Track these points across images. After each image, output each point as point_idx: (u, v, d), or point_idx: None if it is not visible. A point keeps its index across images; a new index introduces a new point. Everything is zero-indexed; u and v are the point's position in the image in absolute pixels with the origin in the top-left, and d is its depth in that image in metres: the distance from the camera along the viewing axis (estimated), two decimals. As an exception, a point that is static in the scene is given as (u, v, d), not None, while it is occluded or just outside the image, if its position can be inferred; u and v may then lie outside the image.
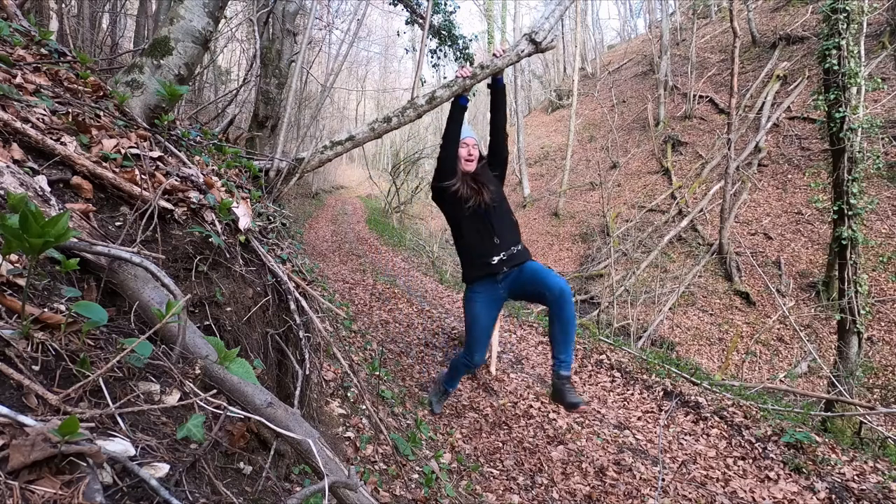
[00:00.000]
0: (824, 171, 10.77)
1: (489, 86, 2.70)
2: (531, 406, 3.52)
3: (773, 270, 10.13)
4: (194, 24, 1.99)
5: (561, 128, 20.60)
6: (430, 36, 7.67)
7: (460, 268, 2.72)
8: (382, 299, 6.39)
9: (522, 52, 2.65)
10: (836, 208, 6.59)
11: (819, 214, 10.60)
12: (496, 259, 2.52)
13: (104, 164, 1.33)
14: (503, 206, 2.62)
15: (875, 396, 6.89)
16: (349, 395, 3.03)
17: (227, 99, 5.94)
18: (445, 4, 7.58)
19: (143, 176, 1.38)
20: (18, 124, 1.18)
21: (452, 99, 2.66)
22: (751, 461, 2.91)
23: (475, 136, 2.71)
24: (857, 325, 6.32)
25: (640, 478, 2.71)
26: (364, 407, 2.89)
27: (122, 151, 1.44)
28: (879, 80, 8.36)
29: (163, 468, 0.72)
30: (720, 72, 16.56)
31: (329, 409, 2.72)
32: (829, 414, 4.04)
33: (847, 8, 6.30)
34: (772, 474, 2.76)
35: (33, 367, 0.75)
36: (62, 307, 0.89)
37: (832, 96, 6.52)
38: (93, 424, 0.71)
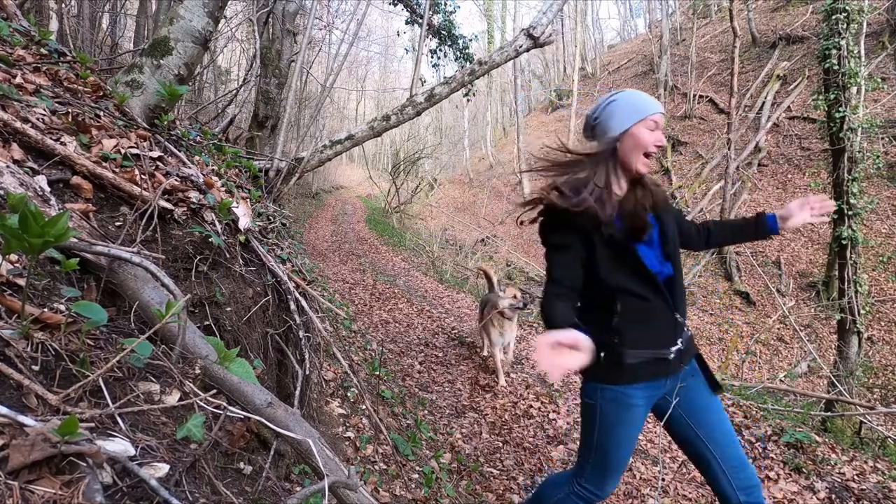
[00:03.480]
0: (824, 170, 10.77)
1: (754, 236, 1.77)
2: (531, 406, 3.52)
3: (773, 270, 10.14)
4: (194, 24, 1.99)
5: (561, 128, 20.55)
6: (430, 36, 7.67)
7: (603, 355, 1.40)
8: (382, 299, 6.39)
9: (521, 47, 2.66)
10: (835, 208, 6.60)
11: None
12: (674, 350, 1.46)
13: (104, 164, 1.34)
14: (680, 265, 1.55)
15: (875, 396, 6.89)
16: (349, 395, 3.03)
17: (227, 99, 5.94)
18: (445, 4, 7.57)
19: (143, 176, 1.38)
20: (18, 124, 1.18)
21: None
22: (751, 461, 2.91)
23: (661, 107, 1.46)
24: (857, 325, 6.32)
25: (640, 478, 2.71)
26: (364, 407, 2.89)
27: (122, 151, 1.44)
28: (879, 80, 8.37)
29: (163, 468, 0.72)
30: (720, 72, 16.56)
31: (329, 409, 2.72)
32: (829, 414, 4.04)
33: (847, 8, 6.30)
34: (772, 474, 2.76)
35: (33, 367, 0.75)
36: (62, 307, 0.89)
37: (832, 96, 6.52)
38: (93, 424, 0.71)
